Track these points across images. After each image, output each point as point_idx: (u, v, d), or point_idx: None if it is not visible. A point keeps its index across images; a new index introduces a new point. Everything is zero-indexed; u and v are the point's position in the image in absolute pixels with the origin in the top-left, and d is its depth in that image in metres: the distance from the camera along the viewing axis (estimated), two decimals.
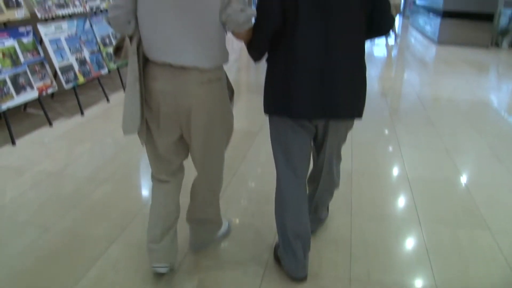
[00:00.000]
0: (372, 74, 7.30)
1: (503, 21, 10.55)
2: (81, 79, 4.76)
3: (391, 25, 2.08)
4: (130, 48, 1.92)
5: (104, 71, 5.22)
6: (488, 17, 10.35)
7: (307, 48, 1.89)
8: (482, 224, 2.85)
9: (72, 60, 4.70)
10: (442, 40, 10.72)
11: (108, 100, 5.22)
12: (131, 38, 1.94)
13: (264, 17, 1.90)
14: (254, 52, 2.06)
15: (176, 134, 2.06)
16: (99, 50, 5.18)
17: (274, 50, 1.99)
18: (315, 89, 1.93)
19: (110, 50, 5.27)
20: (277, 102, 2.03)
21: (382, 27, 2.04)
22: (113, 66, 5.37)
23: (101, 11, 5.43)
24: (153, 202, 2.25)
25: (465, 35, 10.53)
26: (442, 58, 9.38)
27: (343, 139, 2.26)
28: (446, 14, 10.61)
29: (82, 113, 4.72)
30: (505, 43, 10.57)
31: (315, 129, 2.11)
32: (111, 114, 4.90)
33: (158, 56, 1.89)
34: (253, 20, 1.90)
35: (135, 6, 1.86)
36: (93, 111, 4.90)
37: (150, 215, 2.25)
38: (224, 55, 1.98)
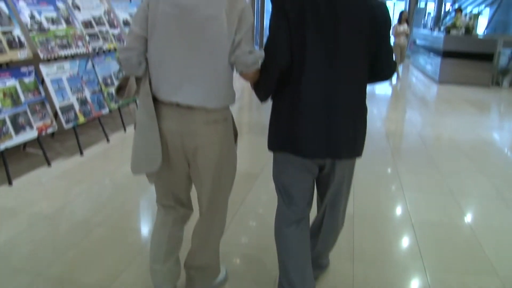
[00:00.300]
0: (374, 112, 7.30)
1: (503, 60, 10.65)
2: (81, 119, 4.75)
3: (392, 70, 2.10)
4: (143, 89, 1.94)
5: (105, 111, 5.22)
6: (488, 57, 10.43)
7: (313, 88, 1.90)
8: (490, 270, 2.75)
9: (73, 100, 4.70)
10: (443, 80, 10.79)
11: (108, 140, 5.19)
12: (140, 79, 1.96)
13: (272, 58, 1.92)
14: (261, 92, 2.07)
15: (185, 170, 2.07)
16: (101, 90, 5.20)
17: (281, 89, 1.99)
18: (320, 129, 1.93)
19: (112, 90, 5.30)
20: (281, 139, 2.03)
21: (385, 72, 2.07)
22: (114, 105, 5.38)
23: (103, 51, 5.49)
24: (156, 226, 2.22)
25: (465, 74, 10.60)
26: (443, 97, 9.41)
27: (351, 175, 2.22)
28: (447, 54, 10.71)
29: (81, 153, 4.68)
30: (505, 83, 10.63)
31: (318, 169, 2.08)
32: (110, 154, 4.87)
33: (167, 96, 1.90)
34: (260, 62, 1.92)
35: (146, 47, 1.89)
36: (93, 151, 4.86)
37: (153, 237, 2.22)
38: (231, 96, 2.00)
